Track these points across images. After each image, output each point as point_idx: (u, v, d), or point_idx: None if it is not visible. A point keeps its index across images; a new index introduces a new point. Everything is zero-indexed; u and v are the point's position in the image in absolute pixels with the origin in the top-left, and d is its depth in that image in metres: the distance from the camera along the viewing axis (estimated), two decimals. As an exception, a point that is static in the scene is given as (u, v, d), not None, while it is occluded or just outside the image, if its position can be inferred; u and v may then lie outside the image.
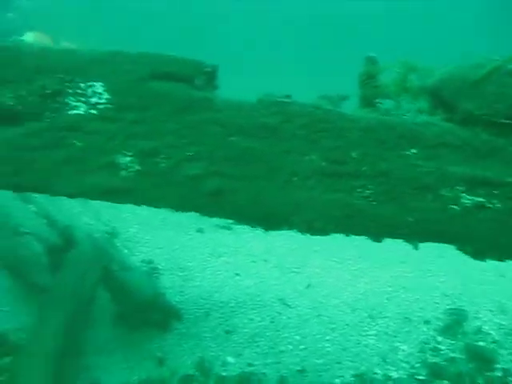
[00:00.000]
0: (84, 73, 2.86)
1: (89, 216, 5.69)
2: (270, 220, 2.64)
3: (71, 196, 2.87)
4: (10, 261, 4.52)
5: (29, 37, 10.69)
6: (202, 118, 2.68)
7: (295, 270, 5.67)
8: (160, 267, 5.04)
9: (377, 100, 2.61)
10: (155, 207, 2.76)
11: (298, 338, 4.36)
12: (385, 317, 4.77)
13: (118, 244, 5.31)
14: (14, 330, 3.82)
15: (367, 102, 2.63)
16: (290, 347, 4.21)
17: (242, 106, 2.66)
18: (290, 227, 2.67)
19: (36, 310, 3.96)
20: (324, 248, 6.17)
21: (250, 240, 6.14)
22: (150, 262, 5.12)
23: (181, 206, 2.70)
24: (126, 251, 5.17)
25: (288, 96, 2.60)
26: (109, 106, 2.79)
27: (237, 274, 5.27)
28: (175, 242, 5.71)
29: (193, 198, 2.66)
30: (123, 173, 2.74)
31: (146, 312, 4.06)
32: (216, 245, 5.88)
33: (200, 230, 6.28)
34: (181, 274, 5.04)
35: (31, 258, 4.44)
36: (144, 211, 6.07)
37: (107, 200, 2.82)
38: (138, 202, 2.79)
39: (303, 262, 5.91)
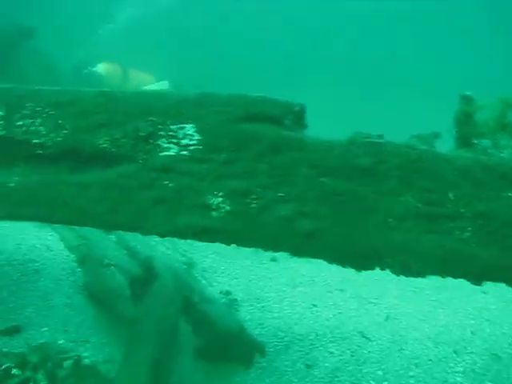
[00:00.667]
0: (175, 115, 2.94)
1: (166, 246, 5.81)
2: (362, 261, 2.61)
3: (162, 235, 2.95)
4: (96, 292, 4.67)
5: (100, 68, 11.17)
6: (293, 158, 2.70)
7: (372, 300, 5.58)
8: (238, 298, 5.06)
9: (474, 139, 2.56)
10: (246, 247, 2.80)
11: (380, 373, 4.26)
12: (471, 352, 4.60)
13: (196, 274, 5.39)
14: (102, 362, 3.92)
15: (463, 141, 2.57)
16: (373, 383, 4.11)
17: (332, 146, 2.66)
18: (383, 268, 2.63)
19: (121, 341, 4.06)
20: (399, 278, 6.02)
21: (324, 269, 6.08)
22: (228, 292, 5.16)
23: (271, 246, 2.71)
24: (204, 282, 5.24)
25: (380, 135, 2.58)
26: (200, 147, 2.85)
27: (314, 305, 5.22)
28: (251, 272, 5.74)
29: (284, 239, 2.66)
30: (214, 213, 2.78)
31: (229, 345, 4.08)
32: (291, 274, 5.86)
33: (274, 259, 6.28)
34: (258, 305, 5.05)
35: (116, 289, 4.56)
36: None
37: (198, 240, 2.87)
38: (228, 242, 2.82)
39: (380, 293, 5.80)
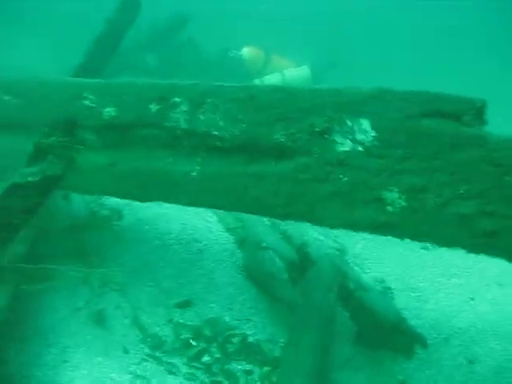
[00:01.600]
0: (351, 111, 3.01)
1: (317, 231, 5.92)
2: (549, 263, 2.52)
3: (335, 227, 3.05)
4: (255, 273, 4.93)
5: (245, 52, 11.45)
6: (474, 155, 2.66)
7: (535, 296, 5.29)
8: (392, 286, 5.07)
9: None
10: (421, 242, 2.82)
11: (551, 375, 4.06)
12: None
13: (348, 261, 5.46)
14: (265, 341, 4.15)
15: None
16: (545, 385, 3.94)
17: (518, 143, 2.58)
18: None
19: (281, 321, 4.28)
20: None
21: (480, 260, 5.85)
22: (382, 280, 5.17)
23: (448, 243, 2.71)
24: (357, 269, 5.29)
25: None
26: (376, 143, 2.90)
27: (471, 299, 5.08)
28: (403, 260, 5.67)
29: (462, 237, 2.65)
30: (389, 208, 2.83)
31: (387, 333, 4.12)
32: (445, 264, 5.71)
33: (425, 248, 6.15)
34: (413, 294, 5.01)
35: (274, 272, 4.76)
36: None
37: (372, 233, 2.94)
38: (402, 237, 2.86)
39: (542, 289, 5.47)
